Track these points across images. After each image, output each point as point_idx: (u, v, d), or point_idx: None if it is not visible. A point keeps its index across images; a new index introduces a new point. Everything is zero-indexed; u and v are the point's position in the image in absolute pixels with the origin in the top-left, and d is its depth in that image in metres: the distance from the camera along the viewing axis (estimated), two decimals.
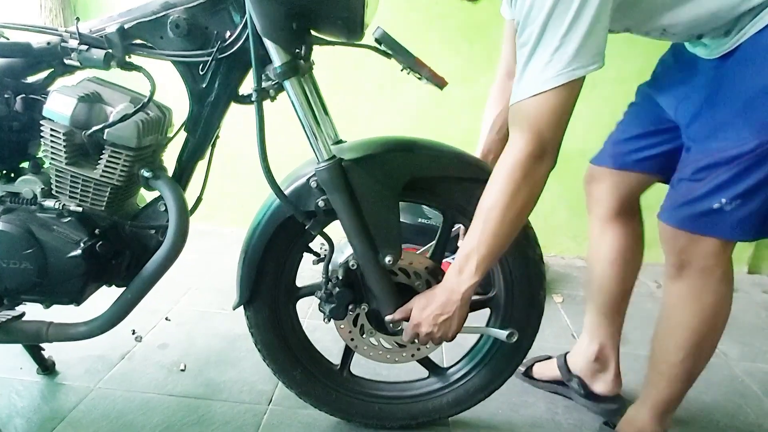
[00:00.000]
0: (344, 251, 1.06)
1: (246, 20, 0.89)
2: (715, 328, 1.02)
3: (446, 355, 1.47)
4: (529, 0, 0.78)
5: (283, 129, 1.37)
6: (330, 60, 1.29)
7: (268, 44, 0.89)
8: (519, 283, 1.08)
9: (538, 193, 0.89)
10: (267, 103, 0.95)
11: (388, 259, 0.99)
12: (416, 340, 1.02)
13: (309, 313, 1.64)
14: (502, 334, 0.98)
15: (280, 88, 0.94)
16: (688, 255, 0.98)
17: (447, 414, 1.19)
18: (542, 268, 1.08)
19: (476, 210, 0.92)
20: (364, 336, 1.11)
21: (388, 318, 1.03)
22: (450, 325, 0.97)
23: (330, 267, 1.05)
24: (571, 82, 0.80)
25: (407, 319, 1.01)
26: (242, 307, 1.11)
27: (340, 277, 1.05)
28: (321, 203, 0.98)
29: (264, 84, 0.94)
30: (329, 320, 1.07)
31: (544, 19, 0.77)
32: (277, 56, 0.89)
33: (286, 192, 0.99)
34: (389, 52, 0.98)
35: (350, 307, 1.07)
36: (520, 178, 0.86)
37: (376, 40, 0.97)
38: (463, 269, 0.93)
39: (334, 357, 1.22)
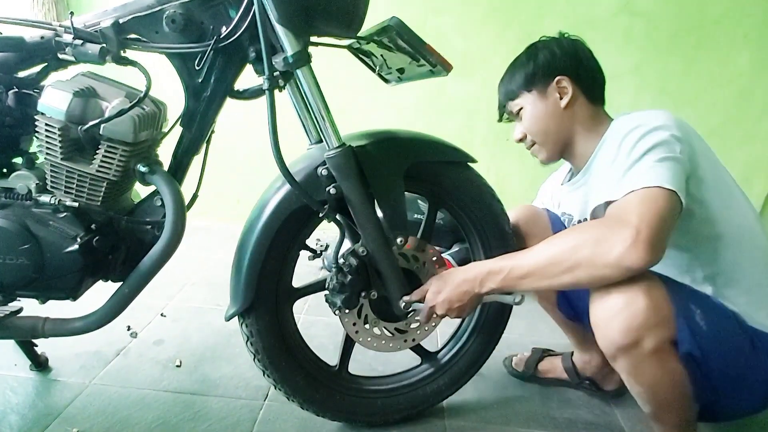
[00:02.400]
0: (332, 245, 1.07)
1: (254, 11, 0.88)
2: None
3: (434, 340, 1.48)
4: (629, 144, 0.92)
5: (280, 125, 1.37)
6: (326, 55, 1.29)
7: (282, 33, 0.88)
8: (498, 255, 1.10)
9: (604, 276, 0.88)
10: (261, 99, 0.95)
11: (399, 240, 1.02)
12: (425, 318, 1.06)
13: (303, 313, 1.64)
14: (509, 299, 1.01)
15: (286, 78, 0.94)
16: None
17: (446, 395, 1.21)
18: (514, 242, 1.15)
19: (548, 241, 0.94)
20: (367, 326, 1.11)
21: (406, 299, 1.05)
22: (463, 309, 1.02)
23: (340, 252, 1.04)
24: (664, 193, 0.86)
25: (421, 300, 1.05)
26: (236, 318, 1.06)
27: (353, 265, 1.03)
28: (332, 191, 0.98)
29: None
30: (342, 310, 1.06)
31: (642, 152, 0.90)
32: (288, 45, 0.89)
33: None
34: (391, 45, 0.99)
35: (362, 294, 1.06)
36: (602, 251, 0.85)
37: (391, 29, 0.96)
38: (494, 272, 0.97)
39: (329, 358, 1.21)
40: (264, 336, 1.06)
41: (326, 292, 1.07)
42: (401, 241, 1.03)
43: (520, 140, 1.16)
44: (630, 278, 0.87)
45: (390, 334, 1.13)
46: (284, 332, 1.09)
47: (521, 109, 1.12)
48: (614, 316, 0.89)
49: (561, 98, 1.08)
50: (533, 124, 1.12)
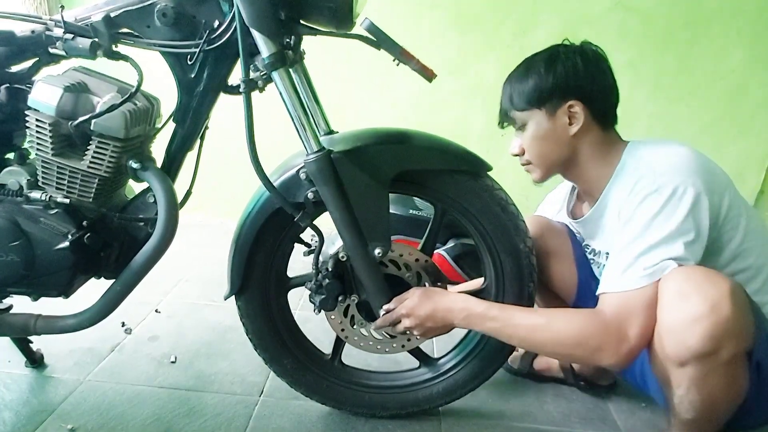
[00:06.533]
0: (335, 243, 1.06)
1: (234, 10, 0.88)
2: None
3: (437, 345, 1.49)
4: (647, 212, 0.91)
5: (273, 120, 1.36)
6: (321, 50, 1.28)
7: (256, 35, 0.88)
8: (509, 274, 1.09)
9: (577, 362, 0.99)
10: (257, 94, 0.95)
11: (377, 251, 1.00)
12: (392, 328, 1.06)
13: (300, 304, 1.64)
14: None
15: (268, 78, 0.93)
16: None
17: (437, 404, 1.20)
18: (532, 260, 1.08)
19: (550, 317, 0.98)
20: (354, 327, 1.12)
21: (386, 307, 1.04)
22: (431, 332, 1.04)
23: (320, 258, 1.06)
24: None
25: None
26: (233, 297, 1.11)
27: (330, 269, 1.05)
28: (310, 195, 0.98)
29: (252, 75, 0.93)
30: (319, 311, 1.08)
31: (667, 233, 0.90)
32: (264, 47, 0.88)
33: (276, 183, 0.99)
34: (378, 42, 0.97)
35: (340, 298, 1.07)
36: (596, 358, 0.93)
37: (366, 31, 0.96)
38: (484, 318, 0.99)
39: (326, 347, 1.22)
40: (253, 318, 1.12)
41: (308, 291, 1.08)
42: (379, 253, 0.99)
43: (517, 155, 1.11)
44: (710, 277, 0.86)
45: (378, 337, 1.13)
46: (274, 317, 1.14)
47: (525, 124, 1.06)
48: (696, 321, 0.84)
49: (570, 124, 1.02)
50: (534, 145, 1.06)
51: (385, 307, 1.04)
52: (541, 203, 1.38)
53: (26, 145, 1.01)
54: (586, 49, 1.04)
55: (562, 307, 1.27)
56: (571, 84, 1.01)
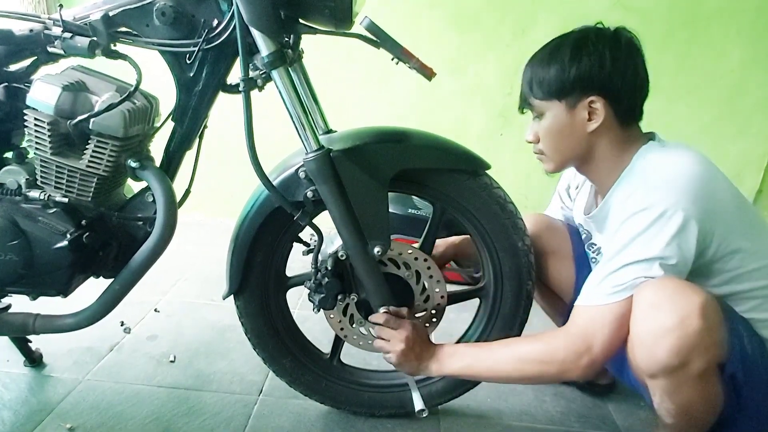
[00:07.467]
0: (334, 242, 1.07)
1: (233, 9, 0.88)
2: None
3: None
4: (633, 230, 0.88)
5: (272, 119, 1.37)
6: (320, 49, 1.28)
7: (255, 33, 0.88)
8: (508, 273, 1.09)
9: (547, 381, 1.03)
10: (255, 93, 0.95)
11: (377, 249, 1.00)
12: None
13: (299, 303, 1.64)
14: (419, 403, 1.06)
15: (267, 77, 0.93)
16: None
17: (437, 402, 1.20)
18: (531, 258, 1.09)
19: (515, 347, 1.01)
20: (353, 326, 1.12)
21: (370, 318, 1.06)
22: (405, 366, 1.06)
23: (319, 257, 1.06)
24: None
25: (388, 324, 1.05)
26: (232, 297, 1.11)
27: (330, 268, 1.05)
28: (309, 194, 0.98)
29: (251, 74, 0.93)
30: (318, 310, 1.08)
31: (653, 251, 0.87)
32: (264, 46, 0.88)
33: (275, 182, 0.99)
34: (377, 41, 0.97)
35: (339, 297, 1.07)
36: (561, 374, 0.95)
37: (365, 30, 0.96)
38: (455, 356, 1.04)
39: (325, 347, 1.23)
40: (252, 317, 1.13)
41: (306, 290, 1.08)
42: (378, 251, 1.00)
43: (531, 142, 1.05)
44: (683, 289, 0.84)
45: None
46: (273, 317, 1.14)
47: (543, 113, 1.00)
48: (664, 334, 0.83)
49: (590, 119, 0.96)
50: (549, 136, 1.00)
51: (370, 318, 1.06)
52: (559, 181, 1.33)
53: (25, 144, 1.01)
54: (620, 38, 0.96)
55: (561, 305, 1.27)
56: (595, 79, 0.94)
